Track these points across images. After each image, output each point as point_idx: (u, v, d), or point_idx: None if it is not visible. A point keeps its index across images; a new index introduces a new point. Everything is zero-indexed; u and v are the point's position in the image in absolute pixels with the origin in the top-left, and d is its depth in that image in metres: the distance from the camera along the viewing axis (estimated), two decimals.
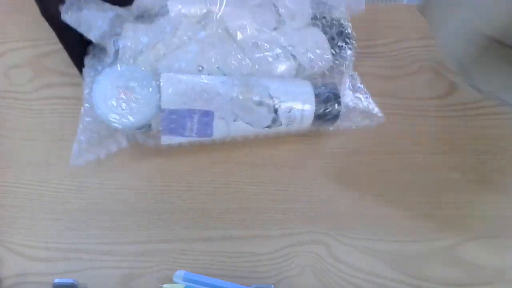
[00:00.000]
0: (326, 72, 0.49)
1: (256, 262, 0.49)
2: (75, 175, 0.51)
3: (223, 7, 0.47)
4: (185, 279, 0.45)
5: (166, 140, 0.45)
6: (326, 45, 0.48)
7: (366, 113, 0.49)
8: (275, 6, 0.48)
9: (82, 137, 0.45)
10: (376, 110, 0.49)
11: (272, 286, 0.46)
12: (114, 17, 0.45)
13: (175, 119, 0.43)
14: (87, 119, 0.44)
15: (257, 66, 0.46)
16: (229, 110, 0.44)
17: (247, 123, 0.44)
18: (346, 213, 0.50)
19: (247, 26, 0.47)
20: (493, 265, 0.49)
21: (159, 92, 0.43)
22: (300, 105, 0.45)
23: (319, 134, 0.52)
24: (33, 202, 0.50)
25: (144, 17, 0.46)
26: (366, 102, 0.49)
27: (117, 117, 0.42)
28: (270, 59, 0.46)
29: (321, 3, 0.50)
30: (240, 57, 0.45)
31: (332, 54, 0.48)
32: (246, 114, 0.44)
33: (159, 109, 0.43)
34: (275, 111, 0.45)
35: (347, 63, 0.49)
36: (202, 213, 0.50)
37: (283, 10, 0.48)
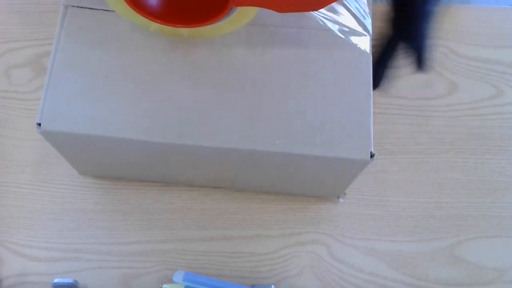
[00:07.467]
0: None
1: (256, 262, 0.49)
2: (75, 175, 0.51)
3: None
4: (185, 279, 0.45)
5: None
6: None
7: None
8: None
9: None
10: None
11: (272, 286, 0.46)
12: None
13: None
14: None
15: None
16: None
17: None
18: (346, 213, 0.50)
19: None
20: (493, 265, 0.49)
21: None
22: None
23: None
24: (33, 202, 0.50)
25: None
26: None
27: None
28: None
29: None
30: None
31: None
32: None
33: None
34: None
35: None
36: (202, 213, 0.50)
37: None
